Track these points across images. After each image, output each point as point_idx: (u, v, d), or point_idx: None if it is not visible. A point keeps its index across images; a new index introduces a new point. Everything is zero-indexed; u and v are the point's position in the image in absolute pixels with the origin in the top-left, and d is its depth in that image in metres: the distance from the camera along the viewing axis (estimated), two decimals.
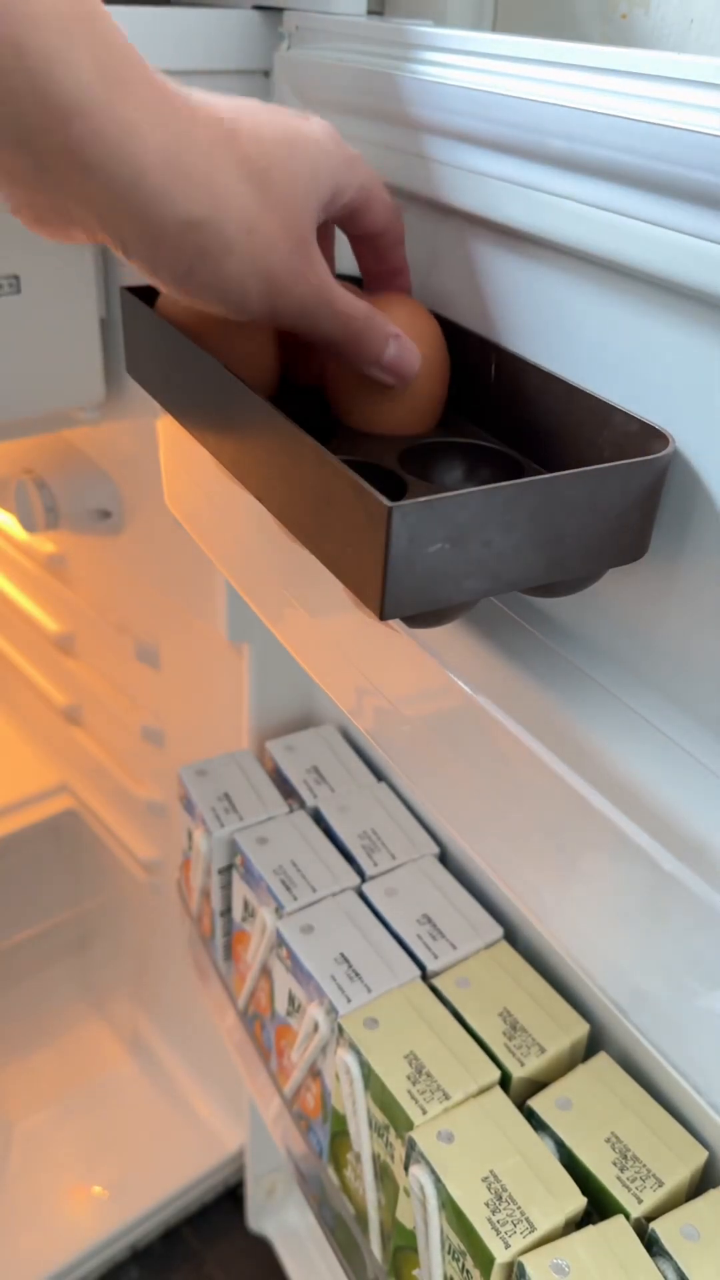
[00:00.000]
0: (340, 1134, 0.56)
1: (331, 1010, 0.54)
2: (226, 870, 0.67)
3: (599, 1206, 0.45)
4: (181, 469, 0.56)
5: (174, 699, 0.90)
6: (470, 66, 0.41)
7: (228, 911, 0.69)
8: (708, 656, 0.37)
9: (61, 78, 0.29)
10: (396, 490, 0.38)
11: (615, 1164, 0.46)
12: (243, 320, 0.37)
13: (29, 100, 0.29)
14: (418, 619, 0.36)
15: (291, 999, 0.59)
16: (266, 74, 0.55)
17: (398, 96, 0.43)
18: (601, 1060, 0.51)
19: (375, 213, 0.40)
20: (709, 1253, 0.42)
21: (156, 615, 0.87)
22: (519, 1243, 0.43)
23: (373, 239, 0.42)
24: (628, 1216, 0.44)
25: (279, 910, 0.60)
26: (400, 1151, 0.49)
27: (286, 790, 0.69)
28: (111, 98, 0.30)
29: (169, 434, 0.56)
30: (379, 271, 0.43)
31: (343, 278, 0.51)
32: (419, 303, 0.44)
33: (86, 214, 0.32)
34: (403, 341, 0.39)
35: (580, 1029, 0.52)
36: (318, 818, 0.66)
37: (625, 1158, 0.46)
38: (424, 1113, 0.48)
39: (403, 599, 0.31)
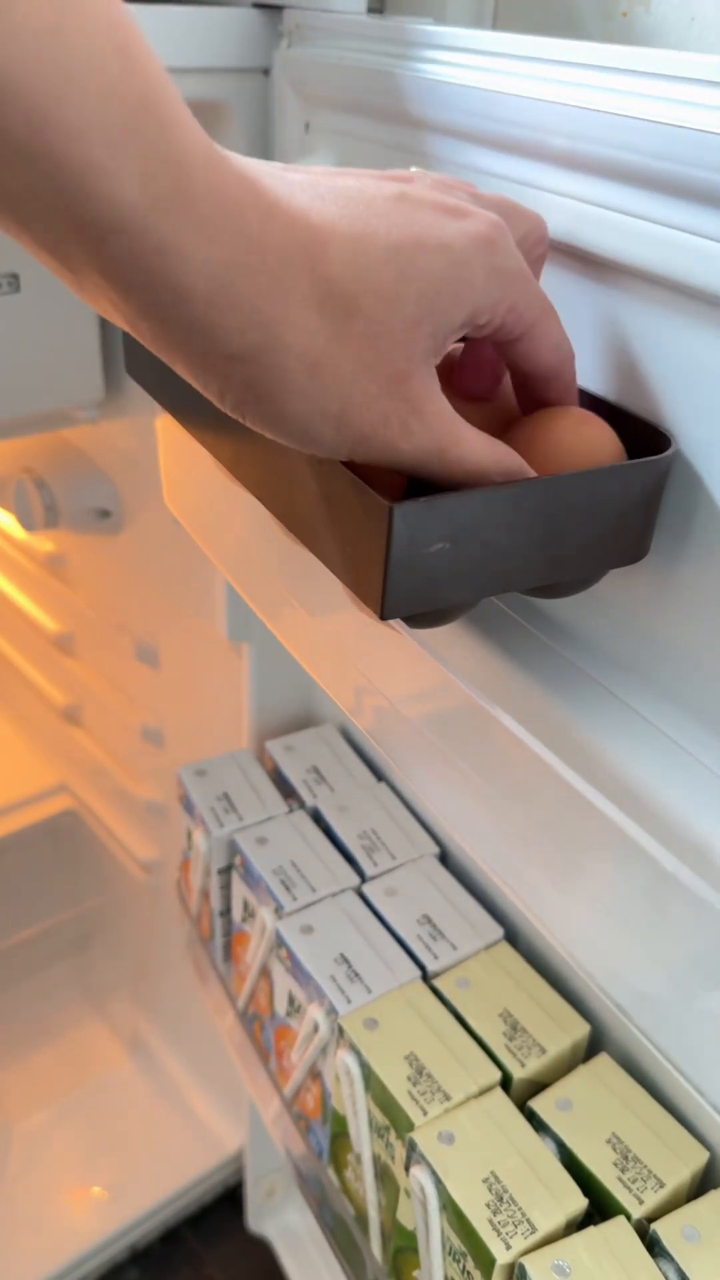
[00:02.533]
0: (340, 1135, 0.56)
1: (331, 1011, 0.54)
2: (226, 870, 0.67)
3: (600, 1207, 0.45)
4: (181, 468, 0.56)
5: (174, 699, 0.90)
6: (470, 64, 0.41)
7: (227, 912, 0.69)
8: (708, 657, 0.37)
9: (100, 195, 0.24)
10: None
11: (616, 1165, 0.46)
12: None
13: (59, 214, 0.25)
14: (418, 619, 0.36)
15: (291, 999, 0.59)
16: (266, 72, 0.55)
17: (398, 94, 0.43)
18: (602, 1061, 0.51)
19: (533, 349, 0.32)
20: (710, 1254, 0.42)
21: (156, 615, 0.87)
22: (520, 1244, 0.43)
23: (529, 380, 0.34)
24: (629, 1217, 0.44)
25: (279, 910, 0.60)
26: (401, 1152, 0.49)
27: (286, 790, 0.69)
28: (155, 217, 0.25)
29: (168, 433, 0.56)
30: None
31: None
32: (599, 421, 0.35)
33: (128, 325, 0.28)
34: None
35: (581, 1029, 0.52)
36: (317, 818, 0.66)
37: (626, 1158, 0.46)
38: (424, 1113, 0.48)
39: (403, 599, 0.31)
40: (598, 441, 0.34)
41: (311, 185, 0.29)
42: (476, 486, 0.31)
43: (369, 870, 0.62)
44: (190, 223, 0.25)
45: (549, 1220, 0.43)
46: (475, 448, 0.31)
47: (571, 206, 0.36)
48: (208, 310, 0.26)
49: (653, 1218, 0.44)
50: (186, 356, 0.28)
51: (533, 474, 0.32)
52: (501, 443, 0.32)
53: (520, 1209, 0.44)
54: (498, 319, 0.31)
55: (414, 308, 0.29)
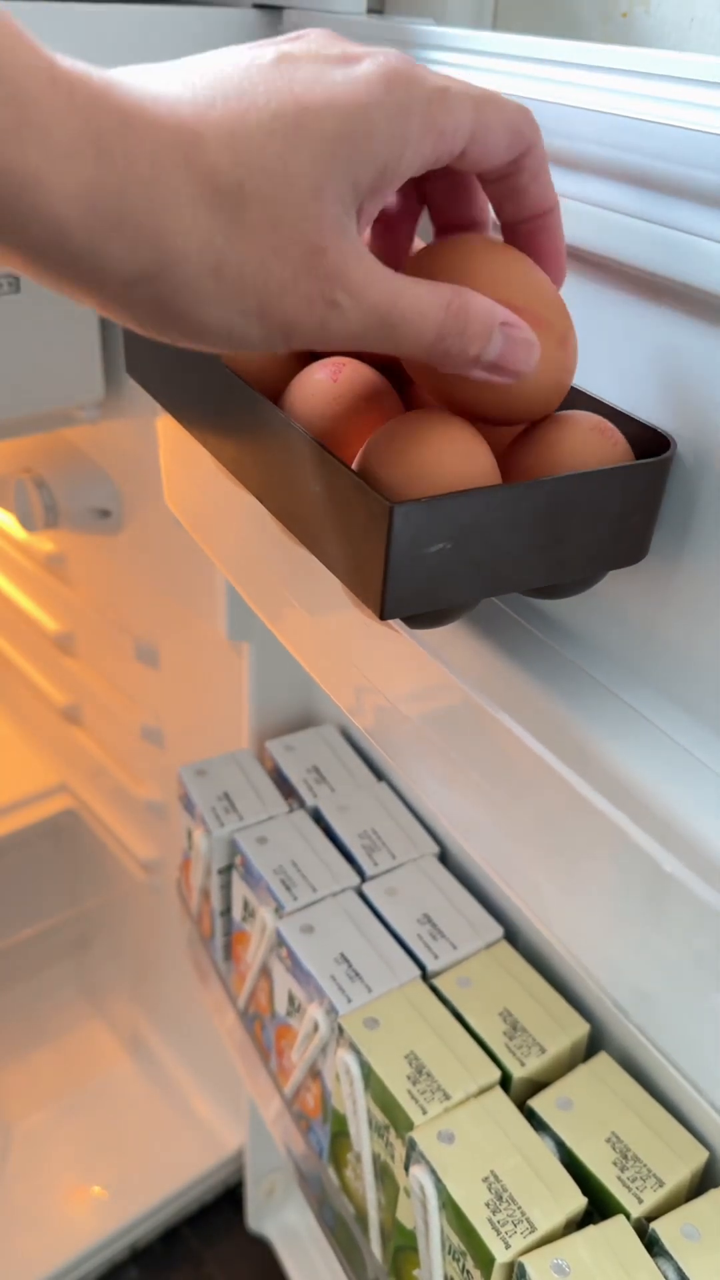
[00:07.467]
0: (340, 1134, 0.56)
1: (331, 1010, 0.54)
2: (226, 870, 0.67)
3: (599, 1206, 0.45)
4: (181, 468, 0.56)
5: (174, 698, 0.90)
6: (470, 65, 0.41)
7: (227, 911, 0.69)
8: (708, 656, 0.37)
9: None
10: None
11: (616, 1164, 0.46)
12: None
13: None
14: (418, 619, 0.36)
15: (291, 999, 0.59)
16: None
17: None
18: (602, 1060, 0.51)
19: (484, 149, 0.29)
20: (709, 1253, 0.42)
21: (156, 615, 0.87)
22: (519, 1243, 0.43)
23: (499, 181, 0.31)
24: (628, 1216, 0.44)
25: (279, 910, 0.60)
26: (400, 1151, 0.49)
27: (286, 790, 0.69)
28: (5, 153, 0.23)
29: (169, 433, 0.56)
30: (518, 222, 0.32)
31: None
32: (612, 429, 0.34)
33: (22, 272, 0.26)
34: (513, 328, 0.30)
35: (581, 1029, 0.52)
36: (318, 817, 0.66)
37: (626, 1158, 0.46)
38: (424, 1113, 0.48)
39: (404, 599, 0.31)
40: (611, 450, 0.34)
41: (180, 77, 0.26)
42: (433, 344, 0.29)
43: (369, 870, 0.62)
44: (43, 151, 0.23)
45: (548, 1219, 0.43)
46: (416, 304, 0.28)
47: (571, 206, 0.36)
48: (89, 238, 0.25)
49: (652, 1217, 0.44)
50: (86, 292, 0.26)
51: (498, 311, 0.30)
52: (445, 284, 0.29)
53: (520, 1208, 0.44)
54: (429, 156, 0.28)
55: (309, 176, 0.26)
